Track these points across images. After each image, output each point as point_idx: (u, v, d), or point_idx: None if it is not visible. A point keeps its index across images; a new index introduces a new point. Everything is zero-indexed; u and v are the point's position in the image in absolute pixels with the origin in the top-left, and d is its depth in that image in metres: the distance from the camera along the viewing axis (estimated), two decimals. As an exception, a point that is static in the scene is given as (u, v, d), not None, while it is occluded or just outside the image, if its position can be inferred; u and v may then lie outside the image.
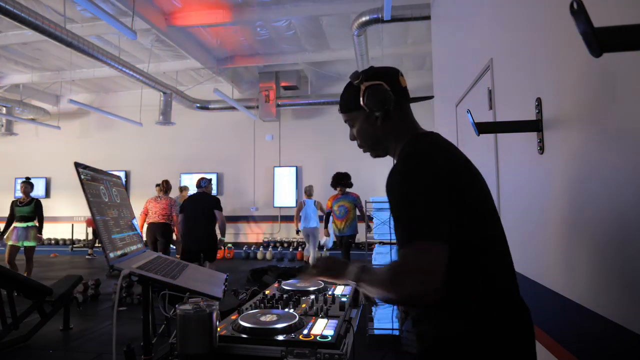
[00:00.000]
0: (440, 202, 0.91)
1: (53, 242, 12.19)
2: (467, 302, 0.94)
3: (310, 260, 8.14)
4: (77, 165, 1.37)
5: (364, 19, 6.14)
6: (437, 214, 0.90)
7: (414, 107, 1.13)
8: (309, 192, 7.27)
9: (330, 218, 6.24)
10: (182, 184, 9.93)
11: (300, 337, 1.02)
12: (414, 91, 1.12)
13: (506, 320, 0.94)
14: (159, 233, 5.74)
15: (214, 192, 11.25)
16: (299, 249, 9.37)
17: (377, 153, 1.16)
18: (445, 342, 0.95)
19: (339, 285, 1.62)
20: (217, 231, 5.25)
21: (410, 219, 0.90)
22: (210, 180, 5.34)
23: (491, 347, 0.92)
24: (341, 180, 6.09)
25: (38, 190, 12.49)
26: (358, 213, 6.16)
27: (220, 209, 5.19)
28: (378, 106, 1.03)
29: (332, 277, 1.09)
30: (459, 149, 1.06)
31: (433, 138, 1.06)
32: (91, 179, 1.43)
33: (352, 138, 1.17)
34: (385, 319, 3.62)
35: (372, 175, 10.00)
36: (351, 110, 1.11)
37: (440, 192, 0.92)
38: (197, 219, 5.02)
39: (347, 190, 6.14)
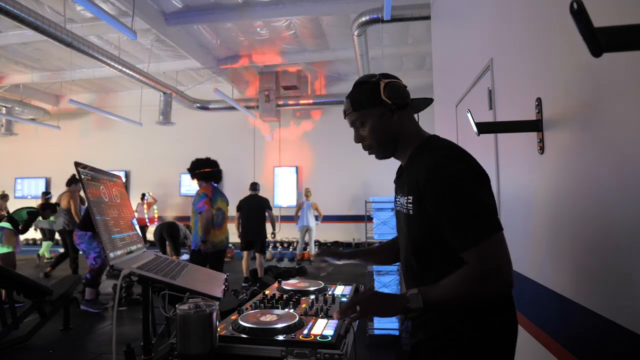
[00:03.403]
0: (490, 196, 1.01)
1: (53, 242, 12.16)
2: (498, 299, 1.03)
3: (312, 253, 8.29)
4: (78, 164, 1.37)
5: (364, 19, 6.14)
6: (493, 206, 1.00)
7: None
8: (307, 194, 8.64)
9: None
10: (182, 184, 9.98)
11: (300, 337, 1.02)
12: (413, 91, 1.14)
13: (513, 312, 1.08)
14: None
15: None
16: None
17: (384, 152, 1.16)
18: (481, 339, 1.01)
19: (338, 288, 1.61)
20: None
21: (475, 216, 0.96)
22: (259, 184, 6.59)
23: (506, 340, 1.05)
24: (196, 169, 3.88)
25: (38, 190, 12.51)
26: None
27: (271, 209, 6.38)
28: (400, 98, 1.10)
29: (383, 315, 1.00)
30: None
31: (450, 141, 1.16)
32: (91, 178, 1.43)
33: (358, 140, 1.17)
34: (385, 319, 3.62)
35: (373, 175, 10.02)
36: (366, 107, 1.12)
37: (488, 187, 1.03)
38: (251, 216, 6.09)
39: (215, 185, 4.01)
